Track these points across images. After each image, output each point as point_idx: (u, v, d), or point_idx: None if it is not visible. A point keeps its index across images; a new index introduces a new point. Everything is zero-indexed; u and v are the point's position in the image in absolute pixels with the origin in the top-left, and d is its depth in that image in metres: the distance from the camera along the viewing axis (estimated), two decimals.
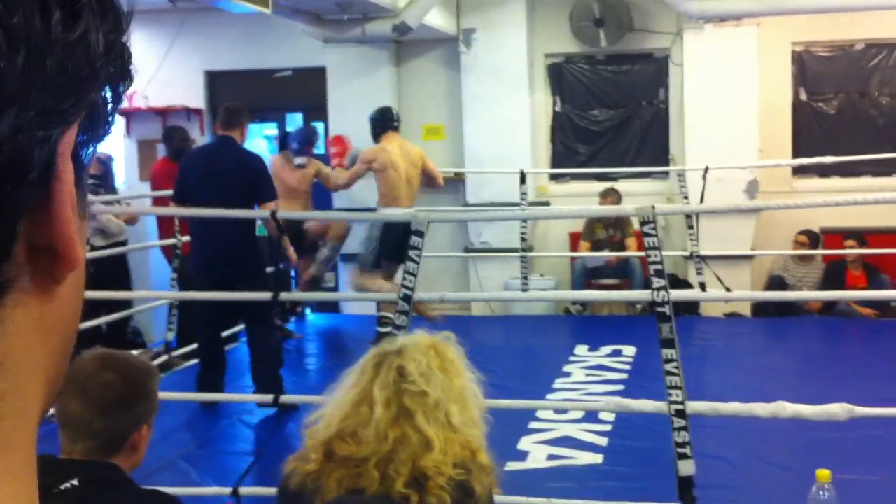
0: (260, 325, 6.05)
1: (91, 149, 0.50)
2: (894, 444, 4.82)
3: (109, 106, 0.49)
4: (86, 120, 0.47)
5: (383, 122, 7.50)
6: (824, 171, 9.42)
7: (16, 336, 0.45)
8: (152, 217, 8.94)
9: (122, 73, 0.49)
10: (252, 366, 6.08)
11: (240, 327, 8.21)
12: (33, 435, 0.48)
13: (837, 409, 3.59)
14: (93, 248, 7.81)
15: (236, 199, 5.57)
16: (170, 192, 7.30)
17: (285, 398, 4.33)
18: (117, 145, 10.43)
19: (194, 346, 7.20)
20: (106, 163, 8.49)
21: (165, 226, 8.05)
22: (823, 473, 2.91)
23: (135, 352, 6.96)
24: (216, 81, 10.84)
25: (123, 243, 8.16)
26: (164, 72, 10.44)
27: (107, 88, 0.48)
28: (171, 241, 7.24)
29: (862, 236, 8.65)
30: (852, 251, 8.55)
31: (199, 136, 10.15)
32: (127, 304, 7.36)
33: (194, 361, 7.30)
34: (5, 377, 0.45)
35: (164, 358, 7.01)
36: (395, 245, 6.95)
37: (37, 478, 0.49)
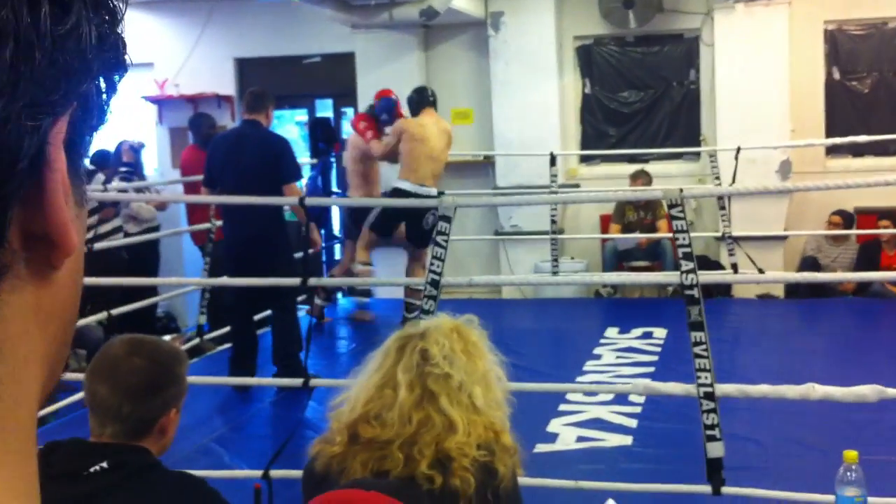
0: (282, 309, 6.11)
1: (87, 138, 0.50)
2: None
3: (104, 96, 0.50)
4: (79, 110, 0.48)
5: (419, 100, 7.62)
6: (858, 151, 9.32)
7: (12, 322, 0.46)
8: (183, 206, 9.01)
9: (116, 64, 0.50)
10: (273, 349, 6.16)
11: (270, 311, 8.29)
12: (32, 419, 0.49)
13: (867, 391, 3.56)
14: (126, 235, 7.92)
15: (260, 181, 5.64)
16: (199, 177, 7.39)
17: (315, 382, 4.35)
18: (149, 133, 10.53)
19: (226, 330, 7.27)
20: (137, 150, 8.58)
21: (196, 212, 8.11)
22: (851, 455, 2.89)
23: (167, 337, 7.06)
24: (246, 68, 10.89)
25: (156, 229, 8.26)
26: (194, 60, 10.52)
27: (101, 79, 0.49)
28: (205, 225, 7.30)
29: None
30: (887, 231, 8.46)
31: (230, 123, 10.20)
32: (155, 290, 7.44)
33: (226, 346, 7.38)
34: (3, 362, 0.46)
35: (195, 342, 7.08)
36: (387, 222, 7.20)
37: (36, 460, 0.50)
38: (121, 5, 0.49)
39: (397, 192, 7.34)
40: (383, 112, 7.90)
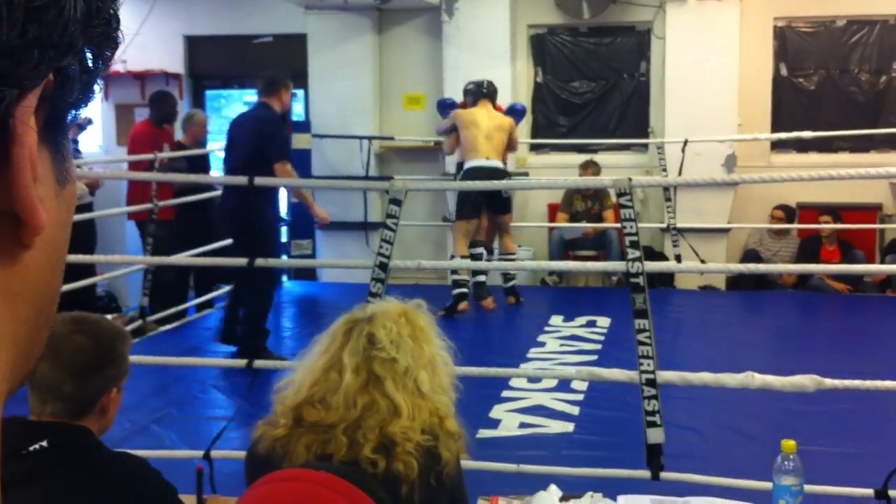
0: (252, 281, 6.26)
1: (71, 114, 0.49)
2: (860, 418, 4.89)
3: (91, 71, 0.48)
4: (59, 85, 0.46)
5: (476, 92, 8.05)
6: (802, 147, 9.47)
7: None
8: (123, 183, 8.86)
9: (106, 39, 0.48)
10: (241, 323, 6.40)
11: (215, 293, 8.23)
12: (1, 400, 0.48)
13: (806, 381, 3.63)
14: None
15: (248, 160, 6.03)
16: (150, 156, 7.31)
17: (259, 363, 4.33)
18: (95, 109, 10.35)
19: (168, 311, 7.23)
20: (83, 126, 8.42)
21: (137, 191, 7.95)
22: (789, 444, 2.94)
23: (109, 316, 6.96)
24: (196, 46, 10.75)
25: (88, 206, 8.07)
26: (143, 36, 10.33)
27: (87, 54, 0.47)
28: (147, 206, 7.19)
29: (837, 212, 8.72)
30: (827, 226, 8.62)
31: (179, 102, 10.07)
32: (92, 269, 7.30)
33: (168, 327, 7.32)
34: None
35: (138, 323, 7.00)
36: (470, 201, 7.58)
37: (0, 441, 0.48)
38: None
39: (467, 173, 7.60)
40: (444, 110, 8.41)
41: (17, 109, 0.44)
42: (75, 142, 8.45)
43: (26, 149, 0.45)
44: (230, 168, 6.30)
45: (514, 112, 8.46)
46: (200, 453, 3.90)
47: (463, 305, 7.54)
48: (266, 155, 6.12)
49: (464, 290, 7.58)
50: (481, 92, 8.04)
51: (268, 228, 6.40)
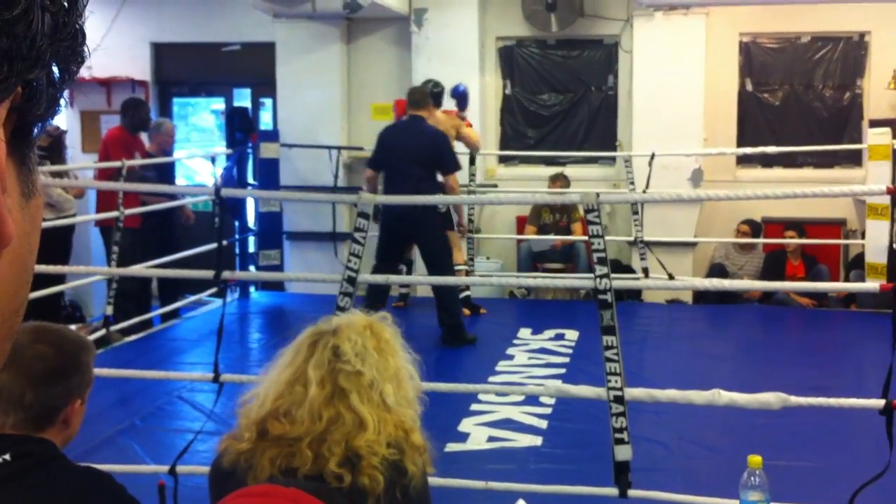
0: (437, 272, 6.87)
1: (37, 127, 0.49)
2: (824, 432, 4.93)
3: (58, 85, 0.48)
4: (26, 98, 0.46)
5: (438, 95, 8.20)
6: (767, 162, 9.56)
7: None
8: (93, 190, 8.77)
9: (73, 54, 0.48)
10: (437, 313, 7.00)
11: (180, 303, 8.16)
12: None
13: (771, 398, 3.65)
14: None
15: (420, 168, 6.84)
16: (117, 164, 7.22)
17: (225, 377, 4.28)
18: (59, 116, 10.23)
19: (132, 321, 7.15)
20: (54, 135, 8.30)
21: (107, 199, 7.87)
22: (755, 459, 2.95)
23: (73, 326, 6.88)
24: (162, 53, 10.68)
25: (71, 218, 8.00)
26: (108, 42, 10.22)
27: (54, 68, 0.47)
28: (114, 213, 7.10)
29: (802, 227, 8.80)
30: (792, 241, 8.69)
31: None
32: (62, 278, 7.22)
33: (133, 337, 7.24)
34: None
35: (102, 332, 6.92)
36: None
37: None
38: None
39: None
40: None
41: None
42: (62, 150, 8.32)
43: None
44: (400, 177, 6.83)
45: (458, 95, 8.43)
46: (166, 468, 3.85)
47: (399, 303, 8.01)
48: (439, 167, 7.00)
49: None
50: (435, 94, 8.03)
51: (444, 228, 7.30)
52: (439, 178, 7.22)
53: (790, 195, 4.36)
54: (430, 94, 7.84)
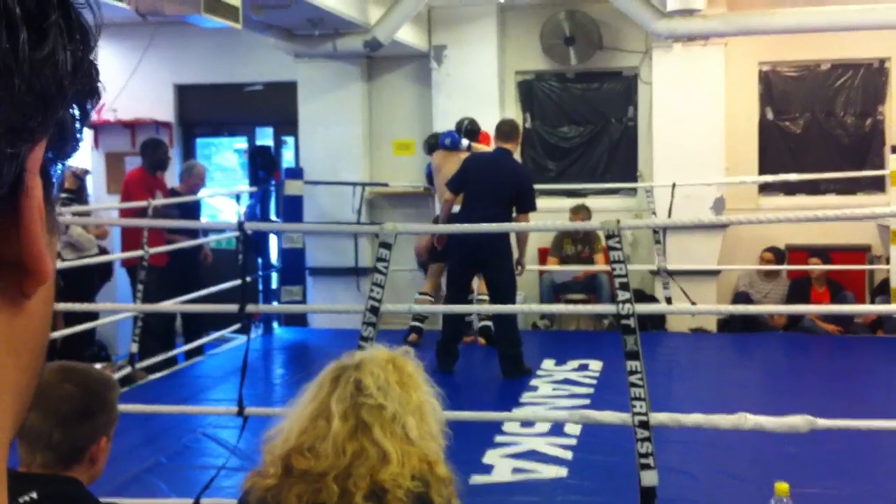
0: (502, 300, 6.89)
1: (60, 165, 0.50)
2: (853, 458, 4.88)
3: (77, 122, 0.49)
4: (54, 137, 0.47)
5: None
6: (790, 189, 9.54)
7: None
8: (118, 230, 8.86)
9: (89, 90, 0.49)
10: (497, 344, 7.14)
11: (204, 340, 8.20)
12: (4, 451, 0.48)
13: (799, 421, 3.63)
14: (62, 261, 7.76)
15: (502, 201, 6.89)
16: (142, 203, 7.30)
17: (250, 411, 4.30)
18: (85, 158, 10.38)
19: (157, 358, 7.18)
20: (81, 178, 8.41)
21: (131, 238, 7.95)
22: (782, 487, 2.94)
23: (98, 365, 6.93)
24: (186, 95, 10.82)
25: (93, 258, 8.08)
26: (133, 85, 10.41)
27: (74, 105, 0.48)
28: (138, 252, 7.17)
29: (826, 254, 8.76)
30: (816, 267, 8.65)
31: (169, 150, 10.11)
32: (90, 317, 7.28)
33: (158, 375, 7.27)
34: None
35: (127, 370, 6.96)
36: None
37: (6, 493, 0.49)
38: (94, 32, 0.49)
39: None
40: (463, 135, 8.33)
41: (28, 163, 0.45)
42: (83, 192, 8.43)
43: (36, 200, 0.46)
44: (480, 208, 6.73)
45: (452, 144, 8.09)
46: (190, 502, 3.86)
47: (413, 337, 7.75)
48: (518, 203, 6.99)
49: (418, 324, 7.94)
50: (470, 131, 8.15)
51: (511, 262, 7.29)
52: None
53: (812, 219, 4.36)
54: (465, 131, 7.97)
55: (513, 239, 7.35)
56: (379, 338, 3.90)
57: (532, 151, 10.13)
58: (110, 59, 10.32)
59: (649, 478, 3.69)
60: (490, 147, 7.85)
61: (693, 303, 7.92)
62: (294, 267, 9.28)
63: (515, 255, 7.31)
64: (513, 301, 7.13)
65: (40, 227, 0.46)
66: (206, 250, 8.45)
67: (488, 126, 9.54)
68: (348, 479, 2.06)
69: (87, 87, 0.49)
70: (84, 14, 0.48)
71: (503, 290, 7.03)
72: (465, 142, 8.02)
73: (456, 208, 7.29)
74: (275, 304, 9.16)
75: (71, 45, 0.46)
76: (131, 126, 10.51)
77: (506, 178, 7.01)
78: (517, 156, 9.98)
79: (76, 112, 0.49)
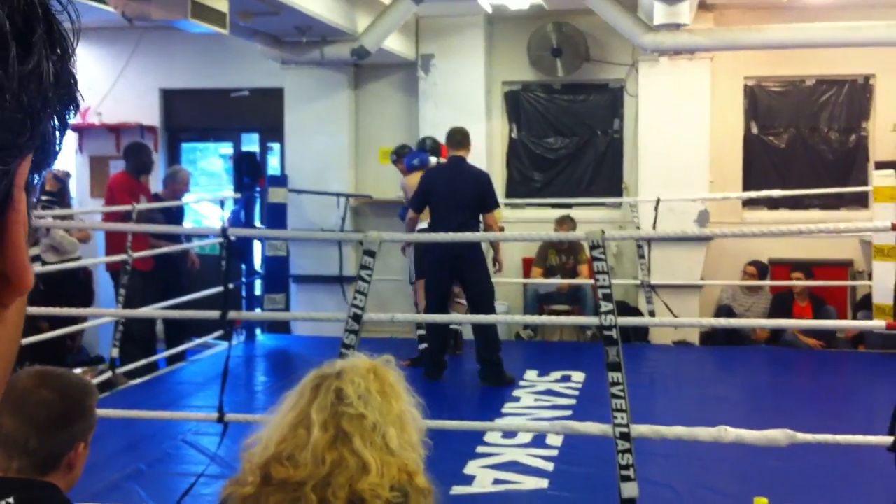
0: (482, 309, 6.99)
1: (39, 176, 0.49)
2: (833, 473, 4.90)
3: (57, 132, 0.49)
4: (38, 149, 0.47)
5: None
6: (773, 204, 9.58)
7: None
8: (101, 233, 8.82)
9: (69, 100, 0.49)
10: (476, 349, 7.17)
11: (186, 345, 8.17)
12: None
13: (779, 435, 3.64)
14: (44, 264, 7.71)
15: (468, 208, 7.03)
16: (126, 207, 7.27)
17: (230, 417, 4.29)
18: (69, 161, 10.33)
19: (138, 363, 7.15)
20: (63, 180, 8.37)
21: (115, 242, 7.91)
22: (761, 501, 2.95)
23: (78, 370, 6.89)
24: (171, 99, 10.78)
25: (76, 261, 8.04)
26: (119, 89, 10.38)
27: (55, 116, 0.48)
28: (122, 256, 7.13)
29: (809, 268, 8.80)
30: (799, 282, 8.68)
31: (154, 154, 10.08)
32: (74, 322, 7.23)
33: (139, 380, 7.23)
34: None
35: (107, 375, 6.92)
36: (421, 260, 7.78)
37: None
38: (72, 41, 0.48)
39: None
40: (430, 152, 8.32)
41: (16, 178, 0.45)
42: (65, 194, 8.39)
43: (21, 213, 0.46)
44: (448, 218, 6.88)
45: (421, 165, 8.03)
46: None
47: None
48: (482, 206, 7.09)
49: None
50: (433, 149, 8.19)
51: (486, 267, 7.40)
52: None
53: (796, 233, 4.38)
54: (430, 149, 7.99)
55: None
56: (361, 346, 3.90)
57: (518, 162, 10.15)
58: (96, 63, 10.28)
59: (630, 489, 3.70)
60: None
61: (675, 315, 7.94)
62: (278, 274, 9.25)
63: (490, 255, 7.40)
64: (492, 304, 7.23)
65: (24, 239, 0.46)
66: (192, 256, 8.42)
67: (475, 136, 9.57)
68: (327, 489, 2.04)
69: (66, 96, 0.49)
70: (62, 21, 0.48)
71: (482, 294, 7.13)
72: (432, 159, 8.03)
73: (423, 224, 7.31)
74: (258, 311, 9.14)
75: (53, 56, 0.46)
76: (116, 130, 10.46)
77: (467, 184, 7.12)
78: (501, 166, 10.07)
79: (56, 122, 0.49)
